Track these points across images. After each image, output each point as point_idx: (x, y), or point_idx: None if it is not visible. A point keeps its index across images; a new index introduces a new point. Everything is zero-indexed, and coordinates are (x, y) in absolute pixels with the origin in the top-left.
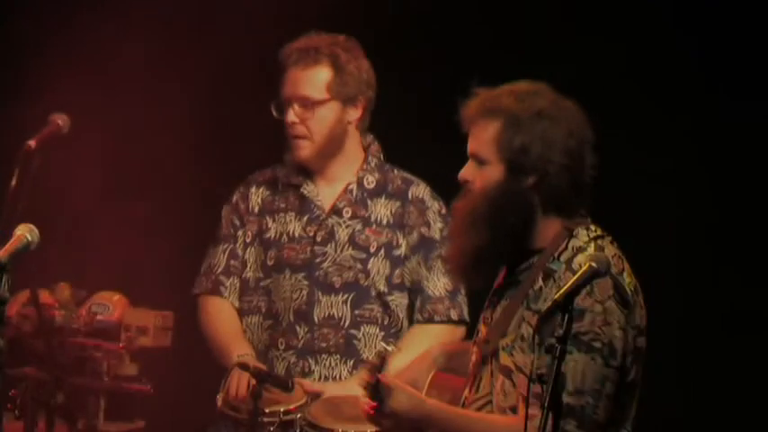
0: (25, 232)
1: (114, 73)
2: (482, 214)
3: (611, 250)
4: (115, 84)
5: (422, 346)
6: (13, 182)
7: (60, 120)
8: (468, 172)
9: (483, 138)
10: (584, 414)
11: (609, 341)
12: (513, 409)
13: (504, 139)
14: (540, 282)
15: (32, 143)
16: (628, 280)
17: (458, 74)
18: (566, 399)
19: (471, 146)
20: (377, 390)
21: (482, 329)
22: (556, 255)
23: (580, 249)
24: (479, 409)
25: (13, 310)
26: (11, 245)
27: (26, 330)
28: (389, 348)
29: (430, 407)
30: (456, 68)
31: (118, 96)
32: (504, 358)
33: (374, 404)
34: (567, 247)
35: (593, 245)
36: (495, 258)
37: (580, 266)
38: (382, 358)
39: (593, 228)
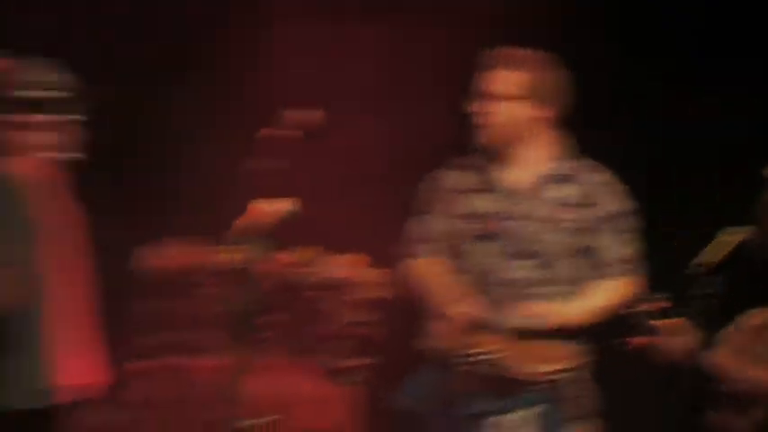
0: (288, 204)
1: None
2: None
3: None
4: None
5: (599, 295)
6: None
7: (313, 116)
8: None
9: None
10: None
11: None
12: None
13: None
14: None
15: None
16: None
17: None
18: None
19: None
20: None
21: None
22: None
23: None
24: None
25: (260, 268)
26: (276, 213)
27: (269, 287)
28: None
29: None
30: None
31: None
32: None
33: None
34: None
35: None
36: None
37: None
38: None
39: None
